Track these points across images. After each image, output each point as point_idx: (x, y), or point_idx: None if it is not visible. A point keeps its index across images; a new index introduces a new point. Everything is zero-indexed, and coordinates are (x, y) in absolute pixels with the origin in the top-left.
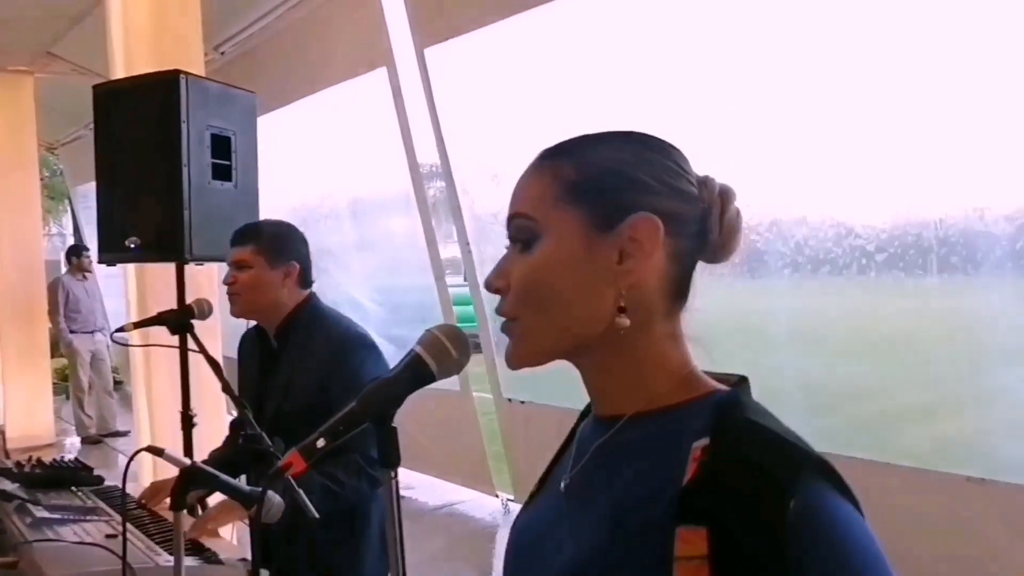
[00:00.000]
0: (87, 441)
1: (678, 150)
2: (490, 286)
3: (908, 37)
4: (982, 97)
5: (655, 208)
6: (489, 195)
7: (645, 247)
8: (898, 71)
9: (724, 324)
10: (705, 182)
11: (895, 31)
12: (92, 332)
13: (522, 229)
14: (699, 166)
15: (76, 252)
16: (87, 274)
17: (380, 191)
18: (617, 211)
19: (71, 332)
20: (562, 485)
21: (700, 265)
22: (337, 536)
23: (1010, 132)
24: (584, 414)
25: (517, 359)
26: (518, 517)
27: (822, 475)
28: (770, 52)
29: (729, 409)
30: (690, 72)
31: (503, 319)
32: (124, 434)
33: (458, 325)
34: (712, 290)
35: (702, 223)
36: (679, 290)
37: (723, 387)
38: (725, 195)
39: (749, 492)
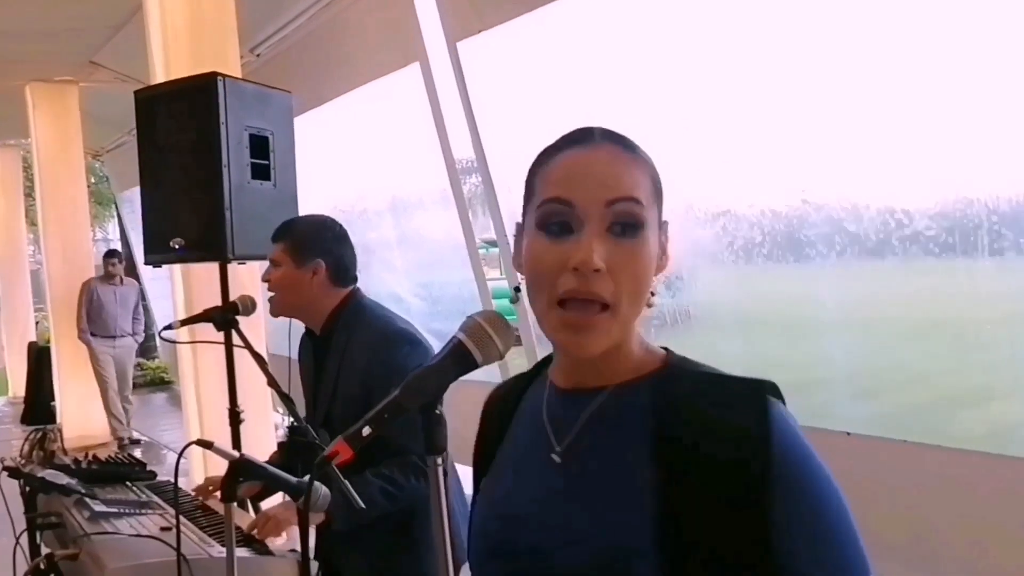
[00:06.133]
0: (120, 442)
1: None
2: (590, 265)
3: (949, 15)
4: None
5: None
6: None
7: (671, 245)
8: (940, 48)
9: (769, 312)
10: None
11: (937, 10)
12: (113, 337)
13: (631, 215)
14: (741, 151)
15: (108, 256)
16: (122, 279)
17: (417, 186)
18: (661, 213)
19: (91, 335)
20: (555, 457)
21: (742, 255)
22: (398, 541)
23: None
24: (504, 392)
25: (596, 346)
26: (484, 496)
27: (773, 393)
28: (808, 34)
29: (681, 368)
30: (727, 57)
31: (586, 305)
32: (136, 443)
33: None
34: (755, 279)
35: None
36: None
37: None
38: None
39: (734, 426)
